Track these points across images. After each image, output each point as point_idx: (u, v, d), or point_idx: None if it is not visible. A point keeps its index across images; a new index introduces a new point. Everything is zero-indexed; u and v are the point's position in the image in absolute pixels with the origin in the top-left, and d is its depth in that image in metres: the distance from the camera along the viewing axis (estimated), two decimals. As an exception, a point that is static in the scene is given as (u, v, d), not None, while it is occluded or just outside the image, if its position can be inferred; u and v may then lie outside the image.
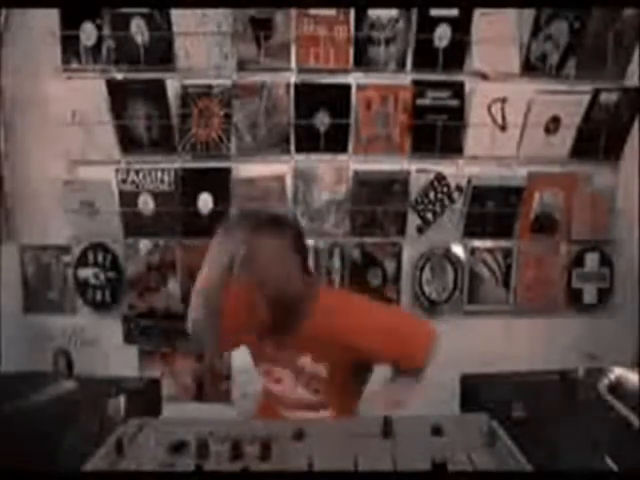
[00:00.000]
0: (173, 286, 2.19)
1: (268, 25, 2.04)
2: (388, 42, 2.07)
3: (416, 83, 2.11)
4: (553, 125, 2.14)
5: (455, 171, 2.17)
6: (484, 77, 2.11)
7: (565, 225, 2.24)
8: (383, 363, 1.38)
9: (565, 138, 2.16)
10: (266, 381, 1.46)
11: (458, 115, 2.13)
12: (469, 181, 2.17)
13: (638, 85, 2.14)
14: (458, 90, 2.11)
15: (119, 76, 2.08)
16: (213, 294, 1.25)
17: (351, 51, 2.07)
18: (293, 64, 2.07)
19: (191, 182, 2.15)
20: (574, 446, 1.13)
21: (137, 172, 2.14)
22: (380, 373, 1.46)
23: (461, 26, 2.05)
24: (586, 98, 2.12)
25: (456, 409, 1.56)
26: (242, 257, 1.18)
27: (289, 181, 2.15)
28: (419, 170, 2.16)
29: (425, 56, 2.09)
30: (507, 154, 2.17)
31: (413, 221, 2.19)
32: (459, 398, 1.58)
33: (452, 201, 2.19)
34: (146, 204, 2.16)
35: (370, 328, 1.30)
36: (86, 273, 2.21)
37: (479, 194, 2.18)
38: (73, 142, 2.09)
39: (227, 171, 2.14)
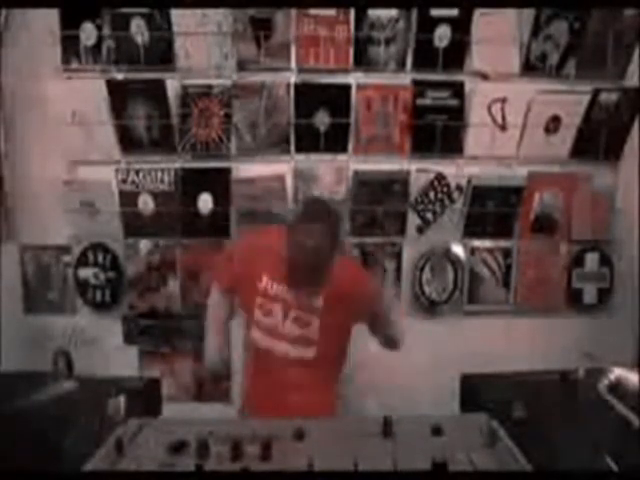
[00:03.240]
0: (173, 286, 2.19)
1: (268, 25, 2.04)
2: (388, 42, 2.07)
3: (416, 83, 2.11)
4: (553, 125, 2.14)
5: (455, 171, 2.17)
6: (484, 77, 2.11)
7: (565, 225, 2.23)
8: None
9: (565, 138, 2.16)
10: (257, 314, 1.59)
11: (458, 115, 2.12)
12: (469, 181, 2.17)
13: (638, 85, 2.14)
14: (458, 90, 2.11)
15: (119, 76, 2.07)
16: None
17: (351, 51, 2.07)
18: (293, 64, 2.07)
19: (191, 182, 2.15)
20: (574, 446, 1.13)
21: (137, 172, 2.13)
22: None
23: (461, 26, 2.05)
24: (586, 98, 2.12)
25: (456, 409, 1.56)
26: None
27: (289, 181, 2.15)
28: (419, 170, 2.16)
29: (425, 56, 2.08)
30: (507, 154, 2.17)
31: (413, 221, 2.19)
32: (459, 398, 1.58)
33: (452, 201, 2.19)
34: (146, 204, 2.16)
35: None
36: (86, 273, 2.21)
37: (479, 194, 2.18)
38: (73, 142, 2.09)
39: (227, 171, 2.14)
